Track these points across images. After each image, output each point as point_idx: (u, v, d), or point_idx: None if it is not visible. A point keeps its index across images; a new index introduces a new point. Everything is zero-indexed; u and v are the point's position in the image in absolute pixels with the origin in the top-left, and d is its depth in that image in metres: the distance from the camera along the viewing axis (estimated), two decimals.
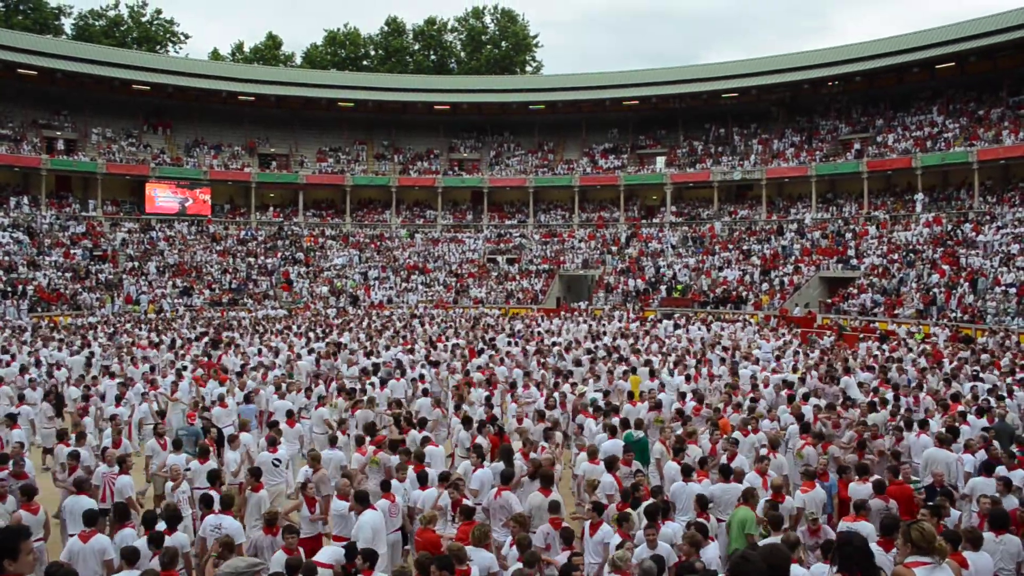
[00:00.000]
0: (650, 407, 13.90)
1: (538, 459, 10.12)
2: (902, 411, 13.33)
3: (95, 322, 34.01)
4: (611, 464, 10.00)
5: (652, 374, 17.54)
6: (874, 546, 6.37)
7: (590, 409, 13.79)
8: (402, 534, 9.19)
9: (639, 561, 6.82)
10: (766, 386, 15.91)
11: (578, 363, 20.14)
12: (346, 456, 11.69)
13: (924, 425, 11.92)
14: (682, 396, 15.17)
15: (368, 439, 11.41)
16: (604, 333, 28.25)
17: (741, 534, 7.96)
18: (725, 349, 23.59)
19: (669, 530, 7.82)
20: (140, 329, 30.06)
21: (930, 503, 8.64)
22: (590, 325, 31.32)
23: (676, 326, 30.69)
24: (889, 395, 14.61)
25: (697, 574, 6.11)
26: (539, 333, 28.06)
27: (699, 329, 29.52)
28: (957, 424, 12.15)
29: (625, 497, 8.84)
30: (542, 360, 20.57)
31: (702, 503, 8.44)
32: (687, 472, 9.53)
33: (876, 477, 9.50)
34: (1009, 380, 16.77)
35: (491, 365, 19.20)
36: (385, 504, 8.80)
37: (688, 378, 17.09)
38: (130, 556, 6.95)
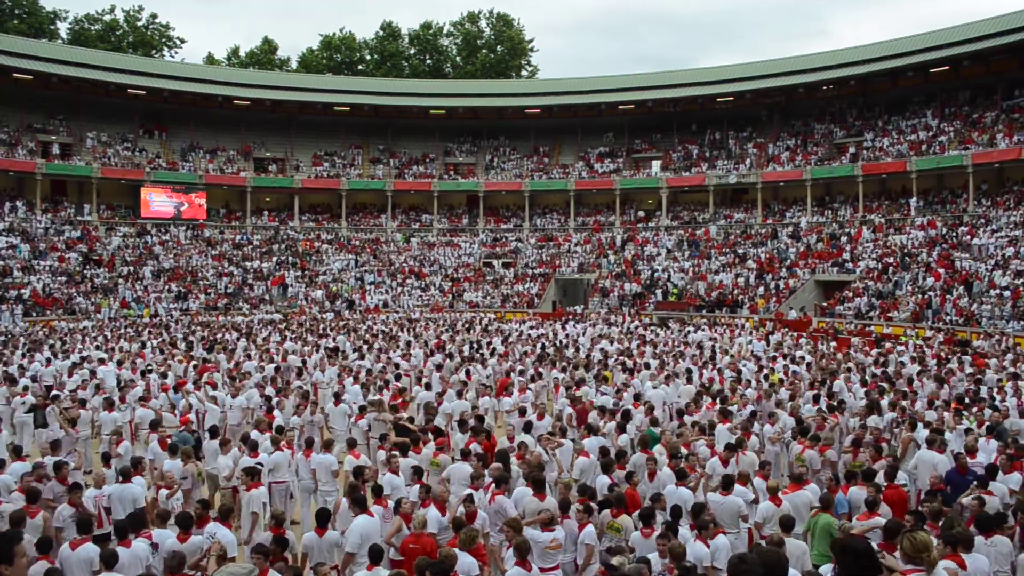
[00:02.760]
0: (646, 412, 13.90)
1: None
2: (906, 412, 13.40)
3: (89, 326, 33.92)
4: (607, 467, 10.00)
5: (630, 373, 17.69)
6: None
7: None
8: None
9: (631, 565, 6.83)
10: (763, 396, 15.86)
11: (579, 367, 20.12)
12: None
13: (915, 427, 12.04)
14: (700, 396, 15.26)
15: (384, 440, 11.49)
16: (602, 337, 28.25)
17: (824, 539, 7.95)
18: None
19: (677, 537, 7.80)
20: (140, 334, 29.99)
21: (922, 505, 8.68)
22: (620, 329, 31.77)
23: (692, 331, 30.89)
24: (885, 400, 14.67)
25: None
26: (535, 337, 28.05)
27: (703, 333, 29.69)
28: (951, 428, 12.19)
29: (620, 503, 8.81)
30: (540, 364, 20.57)
31: (695, 511, 8.39)
32: (681, 476, 9.54)
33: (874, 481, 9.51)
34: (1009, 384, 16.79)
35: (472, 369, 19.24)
36: (379, 509, 8.80)
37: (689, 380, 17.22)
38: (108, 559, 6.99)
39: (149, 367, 19.46)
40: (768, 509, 8.81)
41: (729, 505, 8.94)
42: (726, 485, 9.11)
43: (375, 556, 7.19)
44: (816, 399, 14.96)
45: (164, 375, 18.24)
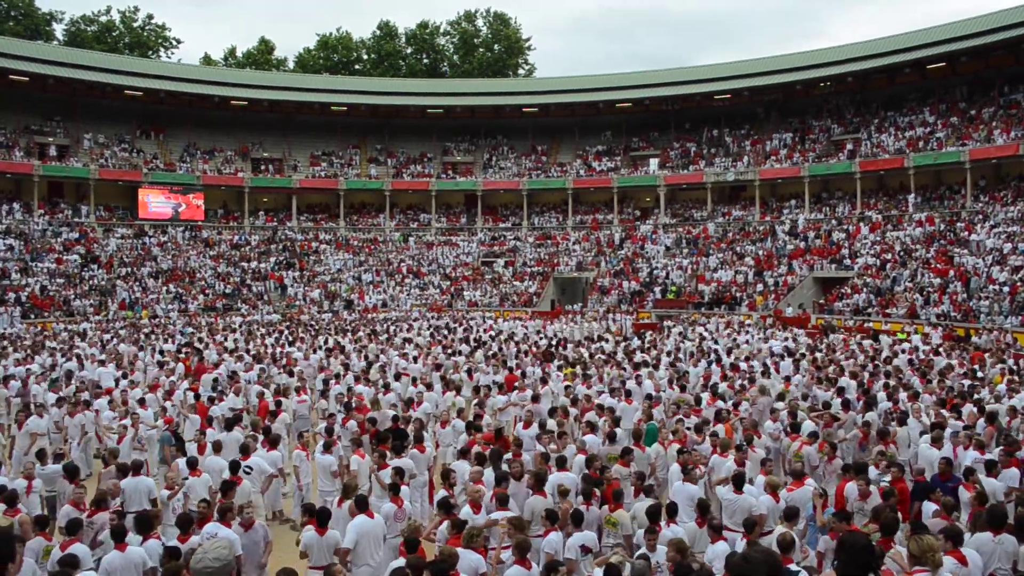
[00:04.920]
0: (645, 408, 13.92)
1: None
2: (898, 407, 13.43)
3: (87, 328, 33.85)
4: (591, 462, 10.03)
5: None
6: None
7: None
8: None
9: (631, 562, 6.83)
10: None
11: (575, 364, 20.14)
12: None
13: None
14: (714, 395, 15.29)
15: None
16: (600, 337, 28.29)
17: None
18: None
19: (670, 532, 7.79)
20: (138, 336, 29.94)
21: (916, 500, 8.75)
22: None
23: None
24: (882, 394, 14.71)
25: (696, 574, 6.09)
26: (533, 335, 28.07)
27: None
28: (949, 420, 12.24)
29: (618, 498, 8.82)
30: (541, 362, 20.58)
31: (702, 508, 8.37)
32: (688, 473, 9.50)
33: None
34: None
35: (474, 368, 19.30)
36: (390, 509, 8.74)
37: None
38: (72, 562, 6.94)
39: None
40: (767, 503, 8.84)
41: (742, 504, 8.87)
42: (738, 484, 9.06)
43: (411, 546, 7.22)
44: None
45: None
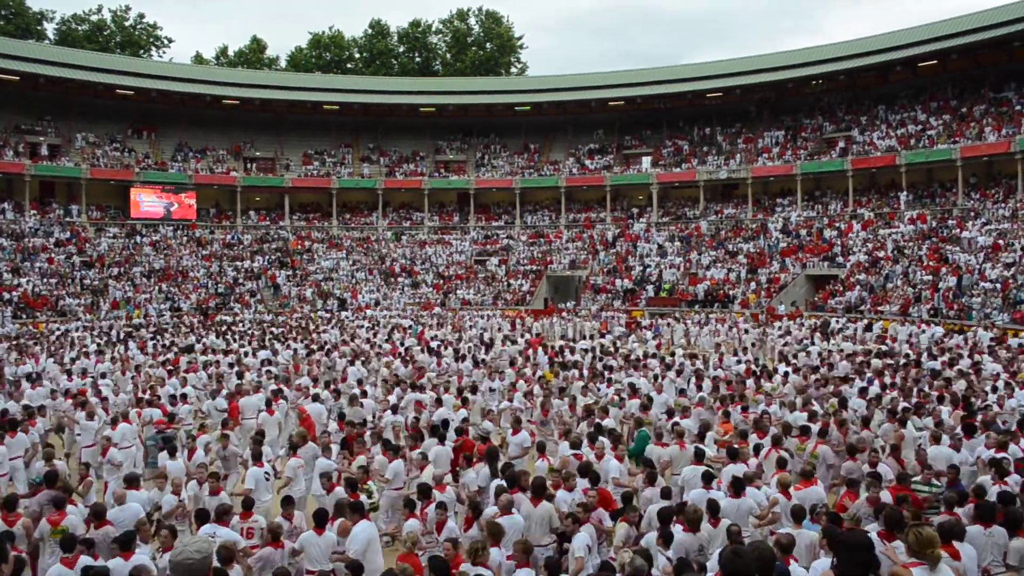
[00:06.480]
0: (641, 406, 13.94)
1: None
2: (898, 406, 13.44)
3: (78, 327, 33.71)
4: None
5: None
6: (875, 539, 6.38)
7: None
8: None
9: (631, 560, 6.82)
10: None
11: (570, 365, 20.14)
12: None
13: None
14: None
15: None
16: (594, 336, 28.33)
17: None
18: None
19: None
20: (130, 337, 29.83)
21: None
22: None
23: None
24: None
25: (695, 573, 6.12)
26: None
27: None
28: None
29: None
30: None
31: (712, 510, 8.29)
32: (708, 479, 9.23)
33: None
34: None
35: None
36: (414, 524, 8.69)
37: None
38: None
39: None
40: (779, 499, 8.86)
41: (741, 507, 8.74)
42: (737, 488, 8.88)
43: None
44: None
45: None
